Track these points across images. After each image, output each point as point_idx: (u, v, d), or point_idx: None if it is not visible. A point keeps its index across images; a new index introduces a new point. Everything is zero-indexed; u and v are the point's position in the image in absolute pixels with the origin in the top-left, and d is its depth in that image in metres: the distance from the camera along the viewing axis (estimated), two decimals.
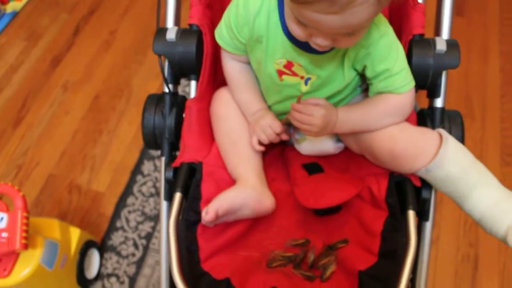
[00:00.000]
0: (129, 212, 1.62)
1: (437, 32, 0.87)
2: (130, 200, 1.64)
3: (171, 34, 0.87)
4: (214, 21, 0.91)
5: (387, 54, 0.79)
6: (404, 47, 0.83)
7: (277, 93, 0.89)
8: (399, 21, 0.90)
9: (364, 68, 0.81)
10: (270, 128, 0.87)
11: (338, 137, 0.94)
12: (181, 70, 0.89)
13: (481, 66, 1.83)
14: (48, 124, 1.82)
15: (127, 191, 1.66)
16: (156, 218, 1.60)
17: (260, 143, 0.88)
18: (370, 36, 0.77)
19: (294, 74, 0.84)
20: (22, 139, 1.79)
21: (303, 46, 0.79)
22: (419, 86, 0.84)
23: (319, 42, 0.69)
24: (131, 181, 1.67)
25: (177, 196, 0.83)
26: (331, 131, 0.84)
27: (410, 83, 0.81)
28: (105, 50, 2.01)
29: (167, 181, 0.90)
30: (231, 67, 0.92)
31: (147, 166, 1.71)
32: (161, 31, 0.88)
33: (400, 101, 0.81)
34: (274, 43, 0.81)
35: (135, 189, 1.66)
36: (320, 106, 0.81)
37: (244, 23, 0.82)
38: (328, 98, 0.87)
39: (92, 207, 1.63)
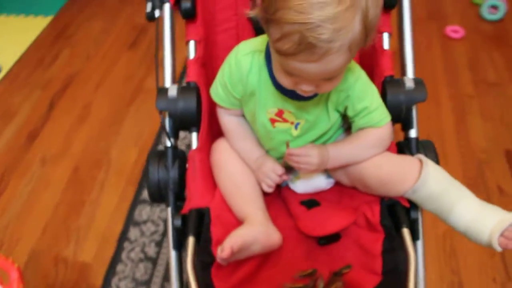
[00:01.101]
0: (120, 279, 1.60)
1: (403, 72, 1.02)
2: (119, 267, 1.63)
3: (172, 92, 0.96)
4: (208, 78, 1.02)
5: (364, 94, 0.91)
6: (378, 88, 0.97)
7: (270, 139, 0.99)
8: (370, 66, 1.04)
9: (346, 108, 0.93)
10: (273, 172, 0.96)
11: (328, 174, 1.04)
12: (182, 124, 0.97)
13: (436, 109, 2.03)
14: (28, 199, 1.81)
15: (116, 258, 1.65)
16: (147, 283, 1.59)
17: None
18: (347, 80, 0.89)
19: (285, 120, 0.95)
20: (1, 216, 1.76)
21: (291, 95, 0.89)
22: (394, 120, 0.96)
23: (304, 88, 0.78)
24: (119, 249, 1.67)
25: (191, 240, 0.88)
26: (325, 166, 0.94)
27: (387, 117, 0.94)
28: (81, 123, 2.07)
29: (176, 229, 0.95)
30: (228, 121, 1.02)
31: (133, 233, 1.72)
32: (162, 90, 0.97)
33: (380, 133, 0.93)
34: (266, 95, 0.92)
35: (124, 256, 1.65)
36: (312, 146, 0.92)
37: (238, 80, 0.92)
38: (316, 139, 0.98)
39: (80, 279, 1.60)
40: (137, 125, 2.05)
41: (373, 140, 0.93)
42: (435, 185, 0.89)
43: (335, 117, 0.95)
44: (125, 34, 2.57)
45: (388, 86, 0.96)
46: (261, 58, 0.90)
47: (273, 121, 0.95)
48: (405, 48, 1.02)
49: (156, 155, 1.00)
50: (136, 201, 1.79)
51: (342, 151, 0.94)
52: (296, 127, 0.96)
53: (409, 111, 0.96)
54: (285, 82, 0.81)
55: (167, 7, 1.02)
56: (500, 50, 2.28)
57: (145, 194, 1.79)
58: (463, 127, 1.96)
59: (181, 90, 0.97)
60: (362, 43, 0.72)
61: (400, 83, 0.97)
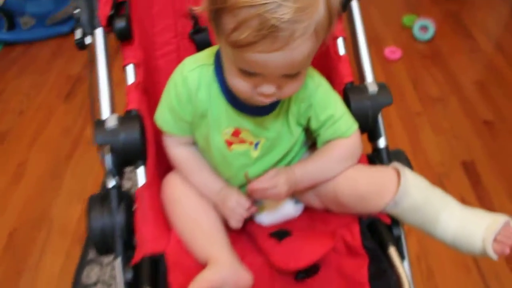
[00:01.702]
0: None
1: (362, 79, 0.95)
2: None
3: (111, 122, 0.83)
4: (150, 105, 0.90)
5: (327, 102, 0.83)
6: (339, 96, 0.89)
7: (228, 166, 0.88)
8: (326, 75, 0.97)
9: (309, 120, 0.84)
10: (240, 206, 0.85)
11: (296, 199, 0.93)
12: (126, 158, 0.84)
13: (388, 130, 2.01)
14: None
15: None
16: None
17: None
18: (307, 88, 0.81)
19: (243, 141, 0.84)
20: None
21: (248, 110, 0.80)
22: (361, 129, 0.88)
23: (264, 90, 0.69)
24: None
25: None
26: (294, 189, 0.84)
27: (354, 125, 0.86)
28: (16, 182, 1.86)
29: (128, 284, 0.80)
30: (179, 152, 0.90)
31: None
32: (99, 122, 0.84)
33: (350, 143, 0.85)
34: (219, 113, 0.82)
35: None
36: (277, 173, 0.82)
37: (187, 100, 0.81)
38: (279, 160, 0.88)
39: None
40: (79, 179, 1.88)
41: (343, 152, 0.84)
42: (417, 194, 0.80)
43: (298, 132, 0.86)
44: (59, 86, 2.42)
45: (350, 93, 0.89)
46: (210, 72, 0.80)
47: (229, 143, 0.84)
48: (361, 52, 0.96)
49: (98, 199, 0.86)
50: (83, 262, 1.59)
51: (310, 169, 0.84)
52: (255, 147, 0.85)
53: (375, 118, 0.89)
54: (242, 86, 0.70)
55: (99, 31, 0.91)
56: (437, 67, 2.35)
57: (92, 253, 1.60)
58: (417, 144, 1.95)
59: (121, 120, 0.85)
60: (327, 29, 0.64)
61: (362, 88, 0.90)
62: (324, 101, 0.82)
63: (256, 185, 0.81)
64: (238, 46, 0.62)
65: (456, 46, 2.49)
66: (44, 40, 2.70)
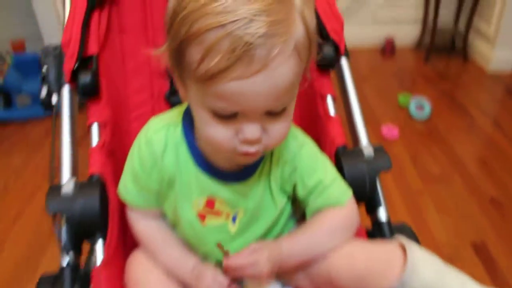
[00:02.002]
0: None
1: (356, 142, 0.85)
2: None
3: (68, 188, 0.72)
4: (117, 171, 0.79)
5: (315, 165, 0.73)
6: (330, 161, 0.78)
7: (202, 243, 0.75)
8: (314, 137, 0.88)
9: (295, 187, 0.73)
10: (217, 285, 0.71)
11: (283, 281, 0.79)
12: (83, 230, 0.71)
13: (391, 211, 1.88)
14: None
15: None
16: None
17: None
18: (289, 148, 0.71)
19: (218, 213, 0.72)
20: None
21: (222, 176, 0.69)
22: (357, 198, 0.76)
23: (248, 133, 0.56)
24: None
25: None
26: (279, 268, 0.70)
27: (348, 191, 0.74)
28: None
29: None
30: (144, 227, 0.77)
31: None
32: (55, 187, 0.73)
33: (344, 213, 0.73)
34: (188, 180, 0.70)
35: None
36: (258, 248, 0.69)
37: (152, 165, 0.70)
38: (263, 235, 0.75)
39: None
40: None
41: (336, 223, 0.72)
42: (428, 272, 0.66)
43: (282, 201, 0.74)
44: (47, 164, 2.33)
45: (343, 157, 0.78)
46: (177, 132, 0.69)
47: (202, 216, 0.72)
48: (353, 112, 0.87)
49: (49, 280, 0.72)
50: None
51: (300, 244, 0.71)
52: (233, 221, 0.73)
53: (373, 185, 0.77)
54: (222, 136, 0.58)
55: (65, 89, 0.83)
56: (436, 144, 2.28)
57: None
58: (421, 224, 1.81)
59: (80, 185, 0.73)
60: (308, 49, 0.55)
61: (357, 152, 0.80)
62: (310, 164, 0.72)
63: (233, 261, 0.67)
64: (209, 77, 0.51)
65: (453, 123, 2.44)
66: (39, 119, 2.67)
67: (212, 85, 0.52)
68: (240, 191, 0.70)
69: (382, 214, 0.79)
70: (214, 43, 0.50)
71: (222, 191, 0.70)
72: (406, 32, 3.39)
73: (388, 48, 3.29)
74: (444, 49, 3.29)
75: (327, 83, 0.88)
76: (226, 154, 0.61)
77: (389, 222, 0.79)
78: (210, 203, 0.71)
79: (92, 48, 0.82)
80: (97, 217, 0.71)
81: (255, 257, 0.68)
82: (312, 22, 0.56)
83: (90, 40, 0.82)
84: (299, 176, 0.71)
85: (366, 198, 0.79)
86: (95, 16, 0.84)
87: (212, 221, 0.72)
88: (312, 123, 0.87)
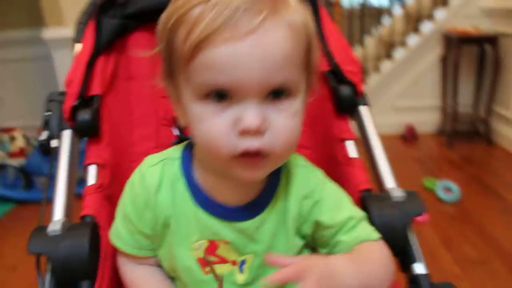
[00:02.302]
0: None
1: (381, 188, 0.75)
2: None
3: (54, 226, 0.63)
4: (114, 217, 0.70)
5: (340, 201, 0.64)
6: None
7: None
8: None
9: (317, 226, 0.62)
10: None
11: None
12: (67, 275, 0.61)
13: None
14: None
15: None
16: None
17: None
18: (310, 182, 0.63)
19: (223, 260, 0.62)
20: None
21: (225, 213, 0.60)
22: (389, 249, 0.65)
23: (247, 121, 0.49)
24: None
25: None
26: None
27: (376, 231, 0.64)
28: None
29: None
30: (136, 276, 0.66)
31: None
32: (41, 227, 0.64)
33: (381, 249, 0.61)
34: (186, 221, 0.61)
35: None
36: (307, 267, 0.52)
37: (145, 205, 0.61)
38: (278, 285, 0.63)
39: None
40: None
41: (380, 257, 0.60)
42: None
43: (298, 245, 0.63)
44: None
45: (370, 201, 0.68)
46: (175, 167, 0.62)
47: (203, 263, 0.62)
48: (375, 155, 0.78)
49: None
50: None
51: (354, 273, 0.55)
52: (241, 269, 0.62)
53: (405, 233, 0.67)
54: (218, 128, 0.51)
55: (66, 133, 0.78)
56: (469, 228, 2.12)
57: None
58: None
59: (69, 227, 0.65)
60: (304, 40, 0.53)
61: (384, 195, 0.70)
62: (336, 199, 0.63)
63: (280, 260, 0.53)
64: (197, 45, 0.48)
65: (485, 206, 2.30)
66: None
67: (201, 56, 0.49)
68: (247, 232, 0.60)
69: (420, 269, 0.67)
70: (199, 15, 0.48)
71: (225, 233, 0.60)
72: (427, 119, 3.37)
73: (409, 135, 3.26)
74: (466, 134, 3.23)
75: (345, 127, 0.81)
76: (226, 165, 0.53)
77: (429, 279, 0.66)
78: (212, 247, 0.61)
79: (95, 89, 0.79)
80: (85, 262, 0.61)
81: (302, 276, 0.51)
82: (310, 21, 0.54)
83: (93, 81, 0.79)
84: (324, 209, 0.62)
85: (399, 249, 0.67)
86: (101, 60, 0.82)
87: (217, 269, 0.62)
88: (332, 169, 0.78)
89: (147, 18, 0.86)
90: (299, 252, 0.65)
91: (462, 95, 3.18)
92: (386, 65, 3.39)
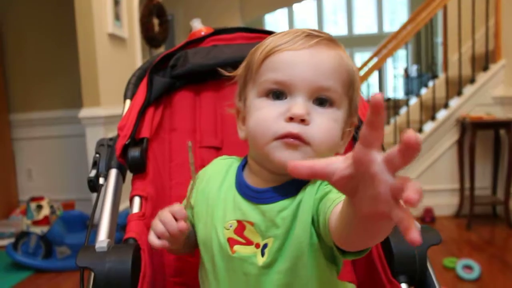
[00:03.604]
0: None
1: None
2: None
3: (102, 244, 0.70)
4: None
5: None
6: None
7: (228, 277, 0.68)
8: None
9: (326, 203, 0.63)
10: (169, 213, 0.68)
11: None
12: None
13: None
14: None
15: None
16: None
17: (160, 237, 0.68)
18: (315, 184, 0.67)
19: (248, 241, 0.67)
20: None
21: (254, 195, 0.68)
22: (408, 277, 0.70)
23: (294, 107, 0.63)
24: None
25: None
26: None
27: None
28: None
29: None
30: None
31: None
32: (88, 246, 0.71)
33: None
34: (226, 203, 0.71)
35: None
36: None
37: (200, 179, 0.76)
38: (289, 271, 0.66)
39: None
40: None
41: None
42: None
43: (312, 234, 0.66)
44: None
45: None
46: (235, 165, 0.75)
47: (232, 242, 0.68)
48: None
49: None
50: None
51: None
52: (262, 253, 0.66)
53: (423, 262, 0.71)
54: (268, 112, 0.65)
55: (113, 171, 0.87)
56: None
57: None
58: None
59: (115, 246, 0.71)
60: (347, 74, 0.68)
61: None
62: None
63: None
64: (265, 55, 0.66)
65: (508, 285, 2.24)
66: (75, 271, 2.65)
67: (267, 61, 0.66)
68: (269, 215, 0.66)
69: None
70: (272, 40, 0.67)
71: (251, 214, 0.67)
72: (445, 202, 3.39)
73: (427, 217, 3.26)
74: (484, 216, 3.22)
75: None
76: (269, 147, 0.64)
77: None
78: (240, 228, 0.68)
79: (144, 133, 0.89)
80: (127, 278, 0.67)
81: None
82: (356, 69, 0.70)
83: (142, 127, 0.90)
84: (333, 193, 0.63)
85: (417, 277, 0.71)
86: (150, 111, 0.94)
87: (240, 249, 0.67)
88: None
89: (191, 80, 1.01)
90: (312, 240, 0.66)
91: (480, 178, 3.22)
92: None
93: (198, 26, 1.08)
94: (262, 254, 0.66)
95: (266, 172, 0.69)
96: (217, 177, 0.74)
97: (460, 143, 3.31)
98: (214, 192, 0.72)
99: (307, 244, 0.64)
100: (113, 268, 0.67)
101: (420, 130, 3.48)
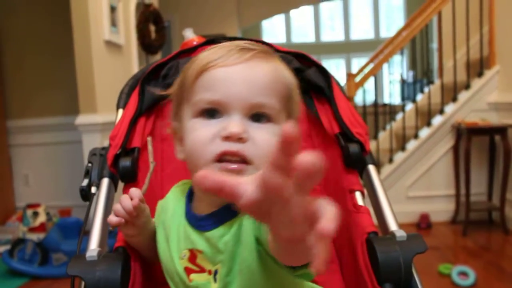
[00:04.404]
0: None
1: (386, 231, 0.82)
2: None
3: (92, 253, 0.71)
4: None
5: None
6: (361, 248, 0.77)
7: None
8: (343, 229, 0.85)
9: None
10: (127, 195, 0.70)
11: None
12: None
13: None
14: None
15: None
16: None
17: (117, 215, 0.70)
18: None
19: (202, 269, 0.67)
20: None
21: (198, 223, 0.68)
22: (394, 286, 0.71)
23: (230, 125, 0.61)
24: None
25: None
26: None
27: None
28: None
29: None
30: None
31: None
32: (79, 255, 0.72)
33: None
34: (178, 232, 0.70)
35: None
36: None
37: (161, 209, 0.76)
38: None
39: None
40: None
41: None
42: None
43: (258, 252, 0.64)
44: None
45: (375, 241, 0.75)
46: (186, 188, 0.75)
47: (188, 271, 0.68)
48: (381, 205, 0.86)
49: None
50: None
51: None
52: (215, 279, 0.66)
53: (409, 269, 0.72)
54: (204, 133, 0.63)
55: (105, 181, 0.88)
56: None
57: None
58: None
59: (105, 255, 0.72)
60: (283, 85, 0.66)
61: (389, 236, 0.77)
62: None
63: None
64: (198, 72, 0.64)
65: None
66: (70, 278, 2.65)
67: (201, 79, 0.64)
68: (212, 241, 0.66)
69: None
70: (205, 55, 0.65)
71: (200, 242, 0.67)
72: (440, 208, 3.40)
73: (423, 223, 3.27)
74: (480, 222, 3.23)
75: (354, 180, 0.90)
76: (208, 168, 0.62)
77: None
78: (193, 257, 0.68)
79: (136, 142, 0.90)
80: (117, 285, 0.68)
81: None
82: (292, 79, 0.69)
83: (134, 136, 0.91)
84: None
85: (402, 285, 0.72)
86: (142, 120, 0.95)
87: (196, 278, 0.67)
88: (343, 217, 0.85)
89: None
90: (262, 260, 0.64)
91: (475, 184, 3.24)
92: (399, 156, 3.50)
93: (190, 36, 1.10)
94: (215, 280, 0.66)
95: (208, 195, 0.66)
96: (172, 206, 0.73)
97: (455, 149, 3.33)
98: (169, 222, 0.72)
99: (257, 265, 0.62)
100: (103, 277, 0.68)
101: (416, 136, 3.50)
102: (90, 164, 0.92)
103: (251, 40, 1.00)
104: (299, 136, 0.35)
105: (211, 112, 0.64)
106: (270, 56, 0.66)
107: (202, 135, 0.63)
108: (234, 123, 0.61)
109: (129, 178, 0.87)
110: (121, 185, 0.91)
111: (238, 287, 0.65)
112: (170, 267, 0.71)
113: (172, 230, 0.71)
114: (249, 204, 0.38)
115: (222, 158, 0.62)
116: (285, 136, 0.35)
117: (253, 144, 0.62)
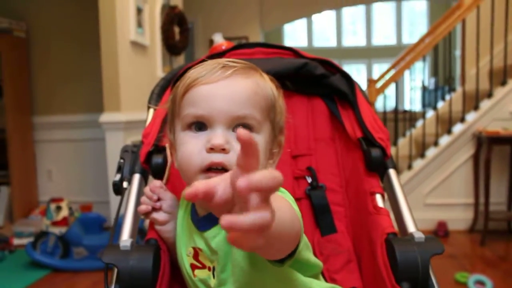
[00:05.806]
0: None
1: (404, 232, 0.85)
2: None
3: (125, 243, 0.75)
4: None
5: None
6: (381, 249, 0.80)
7: None
8: (364, 230, 0.88)
9: None
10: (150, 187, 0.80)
11: None
12: (132, 285, 0.72)
13: None
14: None
15: None
16: None
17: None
18: None
19: (203, 265, 0.74)
20: None
21: (197, 223, 0.74)
22: (411, 284, 0.74)
23: (213, 138, 0.67)
24: None
25: None
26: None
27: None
28: None
29: None
30: None
31: None
32: (113, 245, 0.77)
33: (285, 199, 0.70)
34: (184, 231, 0.78)
35: None
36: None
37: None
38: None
39: None
40: None
41: (287, 205, 0.62)
42: None
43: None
44: None
45: (394, 242, 0.78)
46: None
47: (193, 267, 0.75)
48: (401, 207, 0.88)
49: None
50: None
51: None
52: (213, 275, 0.73)
53: (426, 270, 0.75)
54: (192, 146, 0.69)
55: (136, 176, 0.93)
56: None
57: None
58: None
59: (138, 245, 0.77)
60: (263, 98, 0.71)
61: (407, 237, 0.80)
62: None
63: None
64: (185, 89, 0.70)
65: None
66: (90, 271, 2.73)
67: (188, 95, 0.70)
68: (208, 241, 0.72)
69: None
70: (192, 73, 0.71)
71: (199, 241, 0.74)
72: (458, 216, 3.38)
73: (441, 231, 3.26)
74: (500, 232, 3.21)
75: (375, 183, 0.93)
76: (197, 179, 0.67)
77: None
78: (196, 254, 0.74)
79: (167, 141, 0.95)
80: (149, 274, 0.72)
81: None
82: (275, 91, 0.74)
83: (165, 136, 0.96)
84: None
85: (420, 285, 0.75)
86: None
87: (200, 273, 0.74)
88: (364, 218, 0.91)
89: None
90: (251, 259, 0.68)
91: (495, 193, 3.21)
92: (418, 163, 3.50)
93: (220, 40, 1.14)
94: (214, 276, 0.72)
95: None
96: (184, 203, 0.80)
97: (475, 157, 3.31)
98: (180, 220, 0.79)
99: (248, 265, 0.66)
100: (136, 266, 0.72)
101: (436, 143, 3.48)
102: (122, 160, 0.97)
103: (274, 46, 1.06)
104: (253, 140, 0.42)
105: (199, 125, 0.70)
106: (251, 71, 0.72)
107: (190, 148, 0.69)
108: (217, 136, 0.68)
109: (160, 174, 0.91)
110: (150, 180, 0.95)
111: (233, 283, 0.69)
112: (180, 262, 0.77)
113: (182, 228, 0.77)
114: (219, 202, 0.46)
115: (208, 168, 0.68)
116: (240, 140, 0.42)
117: (235, 154, 0.67)
